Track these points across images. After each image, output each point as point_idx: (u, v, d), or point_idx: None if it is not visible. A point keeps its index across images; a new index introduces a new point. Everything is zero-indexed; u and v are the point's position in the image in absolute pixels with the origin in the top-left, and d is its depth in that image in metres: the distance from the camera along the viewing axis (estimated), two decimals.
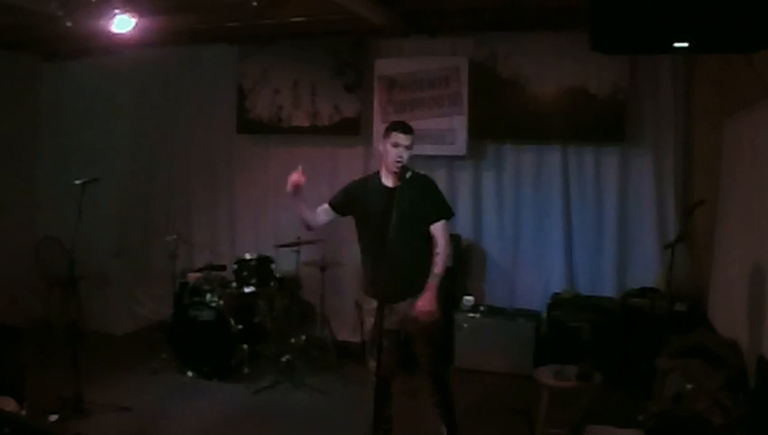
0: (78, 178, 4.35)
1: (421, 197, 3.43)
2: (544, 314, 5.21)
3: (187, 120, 6.44)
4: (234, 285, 5.23)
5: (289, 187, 3.32)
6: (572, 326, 4.88)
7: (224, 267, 5.47)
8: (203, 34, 5.78)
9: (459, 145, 5.49)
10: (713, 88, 4.85)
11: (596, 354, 3.88)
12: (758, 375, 3.02)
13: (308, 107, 5.95)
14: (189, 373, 4.97)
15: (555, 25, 4.99)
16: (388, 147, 3.39)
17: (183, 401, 4.57)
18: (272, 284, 5.33)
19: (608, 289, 5.27)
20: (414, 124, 3.53)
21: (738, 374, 3.26)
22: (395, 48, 5.77)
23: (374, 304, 3.22)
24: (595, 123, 5.14)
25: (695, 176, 5.12)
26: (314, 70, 5.87)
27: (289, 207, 5.81)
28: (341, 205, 3.56)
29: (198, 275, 5.30)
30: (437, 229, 3.43)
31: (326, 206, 3.57)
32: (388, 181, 3.45)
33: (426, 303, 3.31)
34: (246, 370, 4.98)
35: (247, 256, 5.29)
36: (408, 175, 3.37)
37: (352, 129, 5.84)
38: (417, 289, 3.37)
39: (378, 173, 3.55)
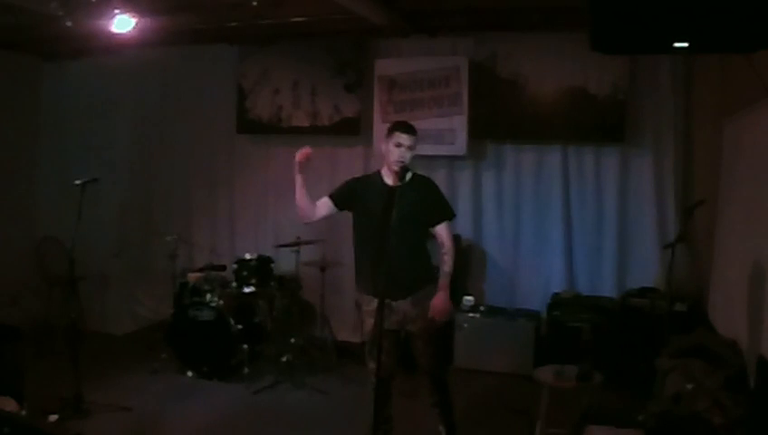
0: (78, 179, 4.35)
1: (423, 198, 3.45)
2: (544, 314, 5.22)
3: (187, 121, 6.44)
4: (234, 285, 5.23)
5: (299, 156, 3.38)
6: (572, 326, 4.87)
7: (224, 267, 5.47)
8: (203, 34, 5.77)
9: (459, 145, 5.49)
10: (713, 88, 4.84)
11: (596, 354, 3.87)
12: (758, 375, 3.02)
13: (308, 107, 5.96)
14: (189, 373, 4.97)
15: (555, 25, 4.99)
16: (391, 147, 3.39)
17: (183, 401, 4.57)
18: (272, 284, 5.33)
19: (608, 289, 5.27)
20: (414, 124, 3.53)
21: (738, 374, 3.26)
22: (395, 48, 5.78)
23: (374, 304, 3.22)
24: (595, 123, 5.14)
25: (695, 176, 5.12)
26: (314, 70, 5.87)
27: (289, 207, 5.90)
28: (342, 198, 3.54)
29: (198, 275, 5.30)
30: (442, 230, 3.47)
31: (326, 199, 3.54)
32: (389, 180, 3.45)
33: (440, 302, 3.37)
34: (246, 370, 4.98)
35: (247, 256, 5.29)
36: (409, 176, 3.40)
37: (352, 129, 5.84)
38: (416, 288, 3.40)
39: (379, 172, 3.55)
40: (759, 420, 2.87)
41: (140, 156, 6.62)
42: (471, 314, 5.27)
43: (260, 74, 6.06)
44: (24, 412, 3.33)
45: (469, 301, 5.38)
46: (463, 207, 5.56)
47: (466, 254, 5.56)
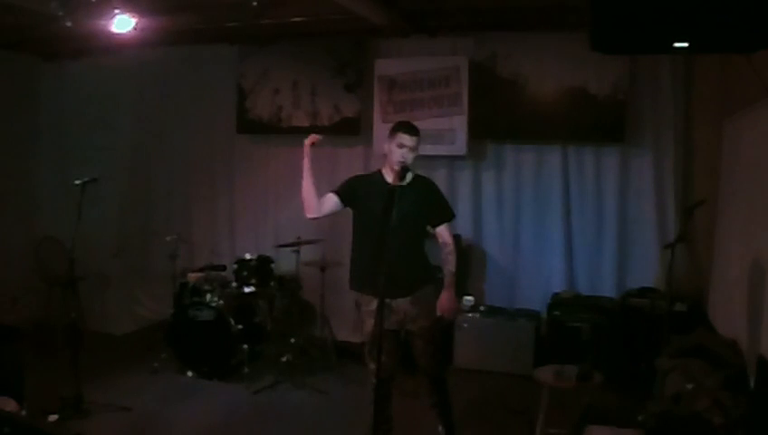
0: (78, 179, 4.34)
1: (424, 199, 3.47)
2: (544, 314, 5.21)
3: (187, 120, 6.44)
4: (234, 285, 5.22)
5: (309, 141, 3.49)
6: (572, 326, 4.88)
7: (224, 267, 5.47)
8: (203, 34, 5.78)
9: (459, 145, 5.49)
10: (713, 88, 4.85)
11: (596, 354, 3.88)
12: (758, 375, 3.02)
13: (308, 107, 5.96)
14: (189, 373, 4.97)
15: (555, 25, 4.99)
16: (393, 147, 3.39)
17: (183, 401, 4.57)
18: (272, 284, 5.33)
19: (608, 289, 5.27)
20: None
21: (738, 374, 3.26)
22: (395, 48, 5.78)
23: (374, 304, 3.22)
24: (595, 123, 5.13)
25: (695, 176, 5.12)
26: (314, 70, 5.87)
27: (289, 207, 5.93)
28: (347, 194, 3.51)
29: (198, 275, 5.30)
30: (443, 231, 3.51)
31: (331, 194, 3.50)
32: (390, 179, 3.45)
33: (447, 300, 3.42)
34: (246, 370, 4.97)
35: (247, 256, 5.29)
36: (410, 176, 3.41)
37: (352, 129, 5.84)
38: (415, 287, 3.41)
39: (380, 171, 3.56)
40: (759, 420, 2.87)
41: (140, 156, 6.62)
42: (471, 314, 5.26)
43: (260, 74, 6.06)
44: (24, 412, 3.33)
45: (469, 301, 5.38)
46: (463, 207, 5.56)
47: (466, 254, 5.55)
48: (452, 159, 5.64)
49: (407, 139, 3.37)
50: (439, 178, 5.30)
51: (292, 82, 5.98)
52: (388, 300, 3.16)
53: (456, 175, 5.70)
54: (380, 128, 5.55)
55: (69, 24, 4.33)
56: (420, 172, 3.61)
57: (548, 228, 5.47)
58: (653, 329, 4.31)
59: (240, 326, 4.95)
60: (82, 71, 6.55)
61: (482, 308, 5.38)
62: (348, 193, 3.52)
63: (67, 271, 4.48)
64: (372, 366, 3.29)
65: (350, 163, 5.82)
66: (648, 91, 5.13)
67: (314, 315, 5.67)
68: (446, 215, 3.57)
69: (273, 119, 6.07)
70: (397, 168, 3.34)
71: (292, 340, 5.13)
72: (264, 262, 5.32)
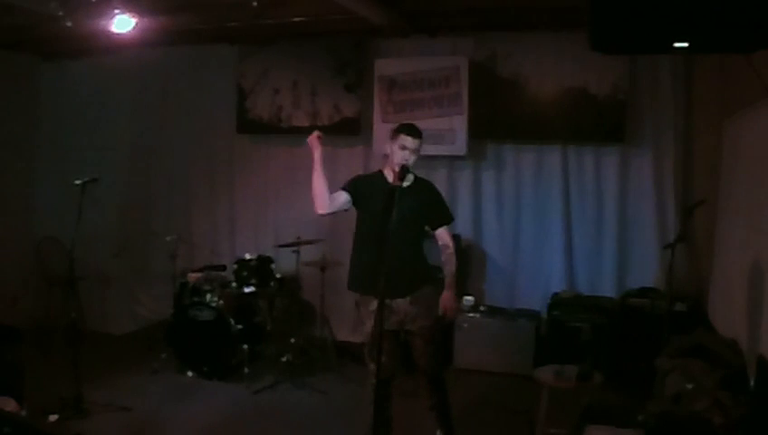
0: (78, 179, 4.34)
1: (424, 201, 3.50)
2: (544, 314, 5.22)
3: (187, 120, 6.44)
4: (234, 285, 5.22)
5: (313, 135, 3.54)
6: (572, 326, 4.88)
7: (224, 267, 5.47)
8: (203, 34, 5.78)
9: (459, 145, 5.49)
10: (713, 88, 4.85)
11: (596, 354, 3.87)
12: (758, 375, 3.02)
13: (308, 107, 5.96)
14: (189, 373, 4.97)
15: (555, 25, 4.99)
16: (395, 148, 3.40)
17: (183, 400, 4.57)
18: (272, 284, 5.32)
19: (608, 289, 5.27)
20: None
21: (738, 374, 3.26)
22: (395, 48, 5.78)
23: (373, 305, 3.23)
24: (595, 123, 5.14)
25: (695, 176, 5.12)
26: (314, 70, 5.87)
27: (289, 207, 5.92)
28: (355, 191, 3.50)
29: (198, 275, 5.30)
30: (443, 233, 3.55)
31: (341, 191, 3.49)
32: (391, 178, 3.46)
33: (449, 299, 3.45)
34: (246, 370, 4.97)
35: (247, 256, 5.29)
36: (411, 178, 3.42)
37: (352, 129, 5.84)
38: (415, 287, 3.42)
39: (381, 171, 3.57)
40: (759, 420, 2.87)
41: (140, 156, 6.62)
42: (471, 314, 5.26)
43: (260, 74, 6.06)
44: (24, 412, 3.33)
45: (469, 301, 5.38)
46: (463, 207, 5.57)
47: (466, 254, 5.56)
48: (452, 159, 5.64)
49: (409, 141, 3.38)
50: (439, 178, 5.32)
51: (293, 82, 5.98)
52: (387, 300, 3.16)
53: (455, 175, 5.69)
54: (380, 128, 5.56)
55: (69, 24, 4.34)
56: (420, 172, 3.61)
57: (548, 228, 5.47)
58: (653, 329, 4.30)
59: (240, 326, 4.95)
60: (82, 71, 6.55)
61: (482, 308, 5.38)
62: (355, 190, 3.52)
63: (67, 271, 4.48)
64: (372, 367, 3.29)
65: (350, 163, 5.81)
66: (648, 91, 5.13)
67: (314, 315, 5.67)
68: (446, 218, 3.60)
69: (274, 119, 6.07)
70: (397, 168, 3.35)
71: (292, 340, 5.13)
72: (264, 262, 5.32)
